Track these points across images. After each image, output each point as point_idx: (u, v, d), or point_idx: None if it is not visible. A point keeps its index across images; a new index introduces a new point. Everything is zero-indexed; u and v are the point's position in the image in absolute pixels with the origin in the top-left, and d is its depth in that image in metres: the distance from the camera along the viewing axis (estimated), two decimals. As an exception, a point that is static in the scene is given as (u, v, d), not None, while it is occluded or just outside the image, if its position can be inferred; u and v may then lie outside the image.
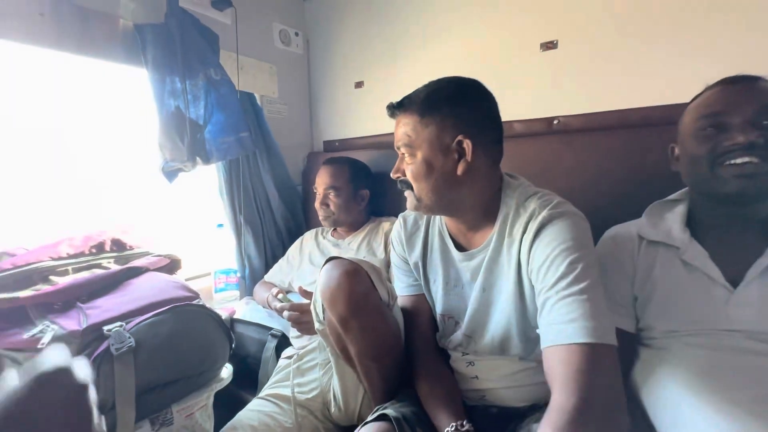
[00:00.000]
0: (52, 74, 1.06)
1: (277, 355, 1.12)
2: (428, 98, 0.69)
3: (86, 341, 0.73)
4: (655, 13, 1.00)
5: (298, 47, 1.64)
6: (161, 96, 1.05)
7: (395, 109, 0.73)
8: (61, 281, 0.82)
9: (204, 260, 1.37)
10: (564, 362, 0.55)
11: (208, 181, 1.38)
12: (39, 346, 0.70)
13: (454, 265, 0.79)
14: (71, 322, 0.75)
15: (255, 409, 0.92)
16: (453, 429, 0.67)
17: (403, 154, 0.73)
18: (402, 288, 0.88)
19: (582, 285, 0.58)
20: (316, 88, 1.70)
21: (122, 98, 1.17)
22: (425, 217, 0.86)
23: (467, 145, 0.67)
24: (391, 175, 0.76)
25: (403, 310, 0.86)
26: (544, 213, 0.65)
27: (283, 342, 1.15)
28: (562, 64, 1.13)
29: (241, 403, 0.97)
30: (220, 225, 1.39)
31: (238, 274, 1.40)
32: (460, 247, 0.78)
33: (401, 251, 0.86)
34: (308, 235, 1.37)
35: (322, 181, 1.23)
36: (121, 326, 0.75)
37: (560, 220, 0.64)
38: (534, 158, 1.12)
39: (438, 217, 0.83)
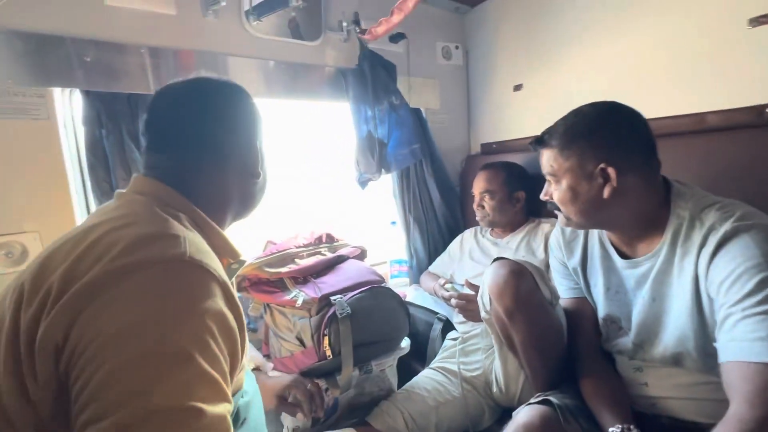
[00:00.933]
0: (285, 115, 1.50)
1: (442, 336, 1.31)
2: (566, 133, 0.74)
3: (321, 305, 1.05)
4: None
5: (458, 59, 1.78)
6: (358, 123, 1.36)
7: (536, 145, 0.79)
8: (302, 263, 1.19)
9: (380, 251, 1.68)
10: (747, 379, 0.54)
11: (385, 186, 1.68)
12: (296, 305, 1.06)
13: (617, 272, 0.81)
14: (311, 291, 1.09)
15: (428, 376, 1.13)
16: (620, 430, 0.71)
17: (549, 179, 0.79)
18: (563, 290, 0.94)
19: None
20: (474, 94, 1.81)
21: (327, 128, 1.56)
22: None
23: (611, 171, 0.70)
24: (541, 197, 0.82)
25: (567, 313, 0.92)
26: (727, 226, 0.63)
27: (448, 326, 1.33)
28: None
29: (413, 372, 1.19)
30: (393, 222, 1.68)
31: (408, 264, 1.66)
32: (622, 254, 0.80)
33: (560, 256, 0.92)
34: (468, 233, 1.52)
35: (478, 186, 1.35)
36: (341, 297, 1.06)
37: (747, 233, 0.61)
38: (734, 156, 0.98)
39: None
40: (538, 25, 1.48)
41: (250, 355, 1.01)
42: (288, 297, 1.09)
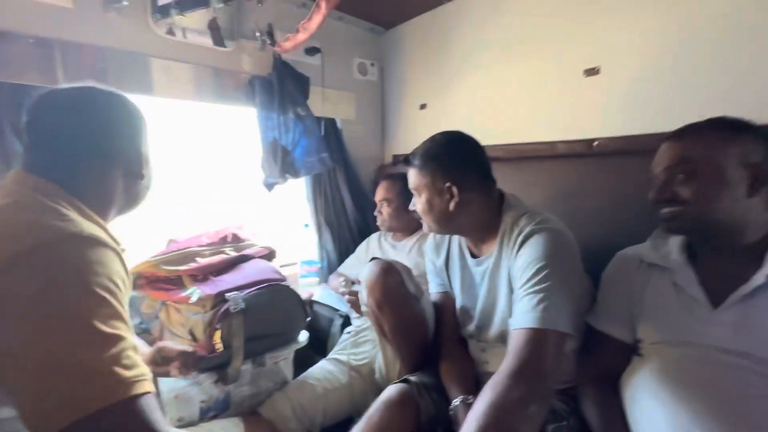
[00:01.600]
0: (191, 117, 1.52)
1: (342, 331, 1.42)
2: (423, 156, 0.91)
3: (216, 301, 1.10)
4: (687, 39, 1.03)
5: (373, 75, 1.92)
6: (264, 129, 1.42)
7: (405, 163, 0.96)
8: (202, 261, 1.22)
9: (292, 252, 1.75)
10: (513, 340, 0.73)
11: (298, 189, 1.75)
12: (189, 302, 1.09)
13: (469, 270, 0.98)
14: (208, 289, 1.13)
15: (320, 367, 1.23)
16: (461, 400, 0.86)
17: (414, 194, 0.95)
18: (433, 286, 1.10)
19: (542, 285, 0.74)
20: (388, 108, 1.97)
21: (237, 132, 1.60)
22: None
23: (454, 189, 0.87)
24: (409, 207, 0.98)
25: (435, 306, 1.08)
26: (527, 228, 0.82)
27: (347, 322, 1.44)
28: (605, 88, 1.20)
29: (314, 363, 1.28)
30: (306, 225, 1.75)
31: (318, 265, 1.75)
32: (474, 255, 0.97)
33: (432, 256, 1.08)
34: (374, 237, 1.65)
35: (378, 194, 1.50)
36: (237, 294, 1.11)
37: (539, 234, 0.80)
38: (572, 177, 1.22)
39: None
40: (440, 52, 1.68)
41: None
42: (184, 294, 1.12)
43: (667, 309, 0.78)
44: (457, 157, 0.89)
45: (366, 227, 1.87)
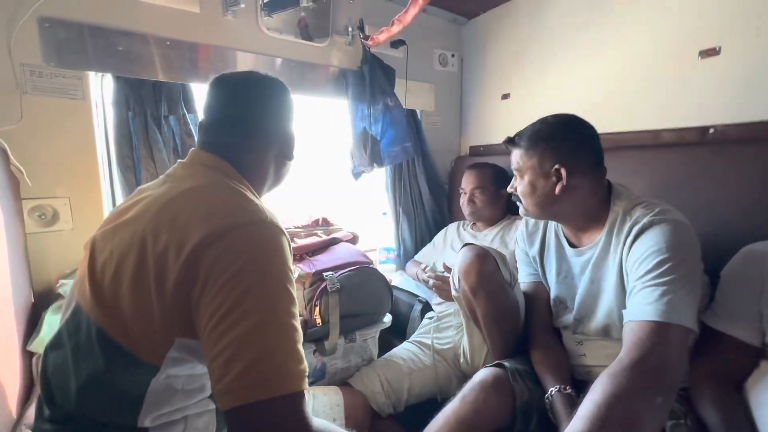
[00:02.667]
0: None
1: (421, 317, 1.46)
2: (531, 137, 0.88)
3: (314, 279, 1.19)
4: None
5: (453, 66, 1.92)
6: (355, 120, 1.49)
7: (508, 143, 0.94)
8: (300, 242, 1.33)
9: (371, 238, 1.82)
10: (633, 332, 0.70)
11: (378, 180, 1.82)
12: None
13: (567, 259, 0.96)
14: (306, 267, 1.23)
15: (405, 348, 1.28)
16: (557, 389, 0.86)
17: (515, 176, 0.93)
18: (524, 275, 1.09)
19: (665, 278, 0.70)
20: (467, 99, 1.96)
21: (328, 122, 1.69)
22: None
23: (563, 171, 0.84)
24: (507, 189, 0.97)
25: (525, 295, 1.07)
26: (645, 219, 0.78)
27: (426, 307, 1.48)
28: (724, 71, 1.09)
29: (393, 346, 1.34)
30: (385, 213, 1.82)
31: (395, 252, 1.80)
32: (572, 245, 0.95)
33: (523, 245, 1.07)
34: (452, 227, 1.67)
35: (469, 182, 1.48)
36: (332, 274, 1.20)
37: (659, 225, 0.76)
38: (682, 168, 1.13)
39: None
40: (526, 40, 1.63)
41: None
42: (285, 270, 1.22)
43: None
44: (569, 140, 0.86)
45: (441, 217, 1.89)
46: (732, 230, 0.99)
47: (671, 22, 1.19)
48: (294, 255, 1.30)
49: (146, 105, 1.17)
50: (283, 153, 0.77)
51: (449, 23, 1.90)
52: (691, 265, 0.74)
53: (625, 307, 0.83)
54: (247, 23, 1.33)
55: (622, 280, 0.82)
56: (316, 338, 1.15)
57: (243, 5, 1.24)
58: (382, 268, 1.74)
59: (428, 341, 1.27)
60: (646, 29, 1.25)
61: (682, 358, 0.69)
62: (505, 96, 1.74)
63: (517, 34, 1.67)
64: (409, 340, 1.33)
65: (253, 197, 0.64)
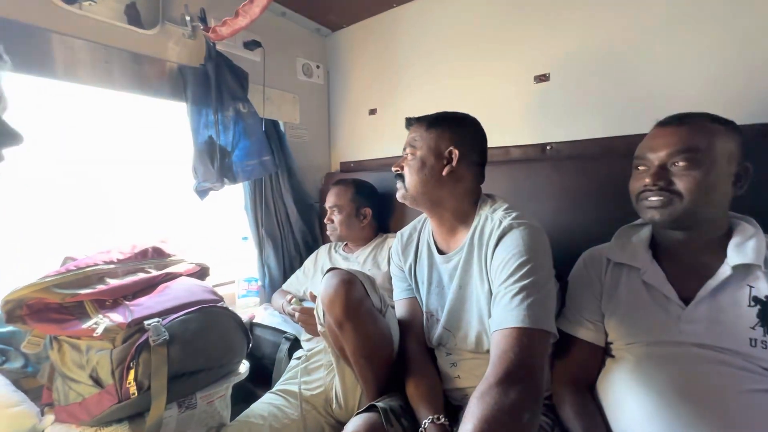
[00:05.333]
0: (111, 110, 1.27)
1: (290, 356, 1.24)
2: (436, 117, 0.90)
3: (130, 333, 0.88)
4: (635, 44, 1.09)
5: (319, 78, 1.81)
6: (197, 127, 1.23)
7: (411, 120, 0.94)
8: (113, 282, 0.98)
9: (230, 269, 1.53)
10: (497, 344, 0.66)
11: (235, 198, 1.55)
12: (94, 335, 0.86)
13: (437, 267, 0.92)
14: (119, 317, 0.90)
15: (266, 401, 1.04)
16: (429, 421, 0.76)
17: (407, 153, 0.89)
18: (399, 293, 1.01)
19: (526, 281, 0.69)
20: (335, 114, 1.87)
21: (165, 129, 1.37)
22: (418, 230, 1.00)
23: (455, 154, 0.85)
24: (392, 168, 0.92)
25: (400, 315, 0.98)
26: (505, 222, 0.78)
27: (295, 344, 1.27)
28: (555, 94, 1.23)
29: (256, 398, 1.09)
30: (245, 238, 1.55)
31: (259, 283, 1.55)
32: (441, 252, 0.92)
33: (398, 261, 1.00)
34: (323, 249, 1.51)
35: (328, 201, 1.38)
36: (158, 321, 0.90)
37: (518, 228, 0.76)
38: (528, 181, 1.22)
39: (427, 227, 0.97)
40: (389, 57, 1.63)
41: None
42: (85, 325, 0.88)
43: (641, 309, 0.76)
44: (468, 128, 0.89)
45: (313, 239, 1.72)
46: (575, 237, 1.07)
47: (511, 51, 1.31)
48: (104, 301, 0.96)
49: None
50: None
51: (313, 33, 1.79)
52: (548, 268, 0.75)
53: (490, 315, 0.80)
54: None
55: (488, 283, 0.80)
56: (130, 415, 0.83)
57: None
58: (242, 304, 1.46)
59: (295, 388, 1.06)
60: (491, 56, 1.35)
61: (545, 364, 0.69)
62: (372, 111, 1.70)
63: (381, 50, 1.66)
64: (273, 390, 1.09)
65: None
